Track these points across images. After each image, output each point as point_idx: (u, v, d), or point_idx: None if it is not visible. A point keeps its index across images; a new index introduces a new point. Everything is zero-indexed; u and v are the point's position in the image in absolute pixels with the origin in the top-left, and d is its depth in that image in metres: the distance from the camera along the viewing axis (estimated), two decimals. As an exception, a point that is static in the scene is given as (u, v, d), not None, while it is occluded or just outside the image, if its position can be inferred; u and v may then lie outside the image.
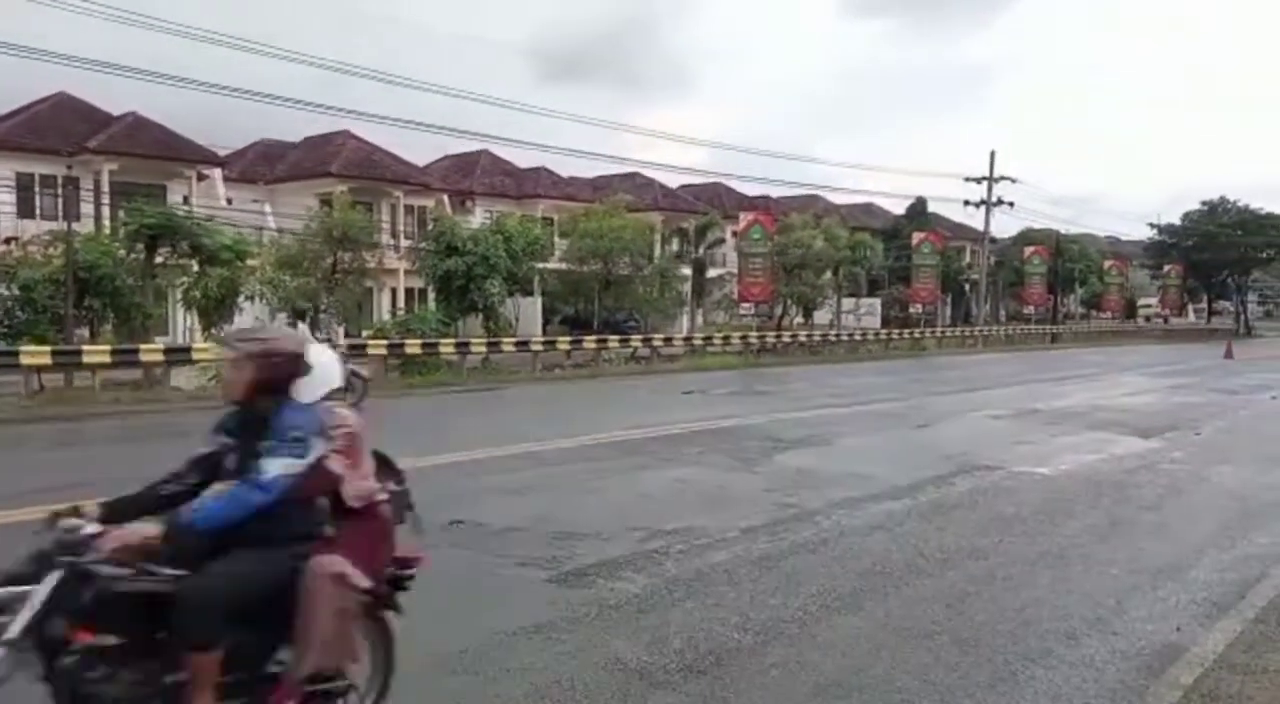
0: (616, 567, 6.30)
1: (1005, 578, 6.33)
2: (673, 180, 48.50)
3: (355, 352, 21.60)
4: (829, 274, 41.85)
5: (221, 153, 33.51)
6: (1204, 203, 64.18)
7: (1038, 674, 4.67)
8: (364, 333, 27.41)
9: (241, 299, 22.91)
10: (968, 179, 45.42)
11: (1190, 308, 72.26)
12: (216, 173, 33.02)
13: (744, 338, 31.72)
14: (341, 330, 26.74)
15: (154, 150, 30.01)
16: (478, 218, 36.41)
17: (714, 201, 48.00)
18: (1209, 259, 61.47)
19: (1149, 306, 67.43)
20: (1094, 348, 42.56)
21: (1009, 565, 6.62)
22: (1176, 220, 64.83)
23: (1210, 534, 7.69)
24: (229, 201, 32.35)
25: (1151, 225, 65.16)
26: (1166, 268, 63.99)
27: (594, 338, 28.06)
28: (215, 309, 22.38)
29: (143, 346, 18.72)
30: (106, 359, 17.48)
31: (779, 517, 7.91)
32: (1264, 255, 64.37)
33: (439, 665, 4.60)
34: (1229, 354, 34.02)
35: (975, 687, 4.50)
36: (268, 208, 33.08)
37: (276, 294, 23.64)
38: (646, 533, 7.18)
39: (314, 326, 24.68)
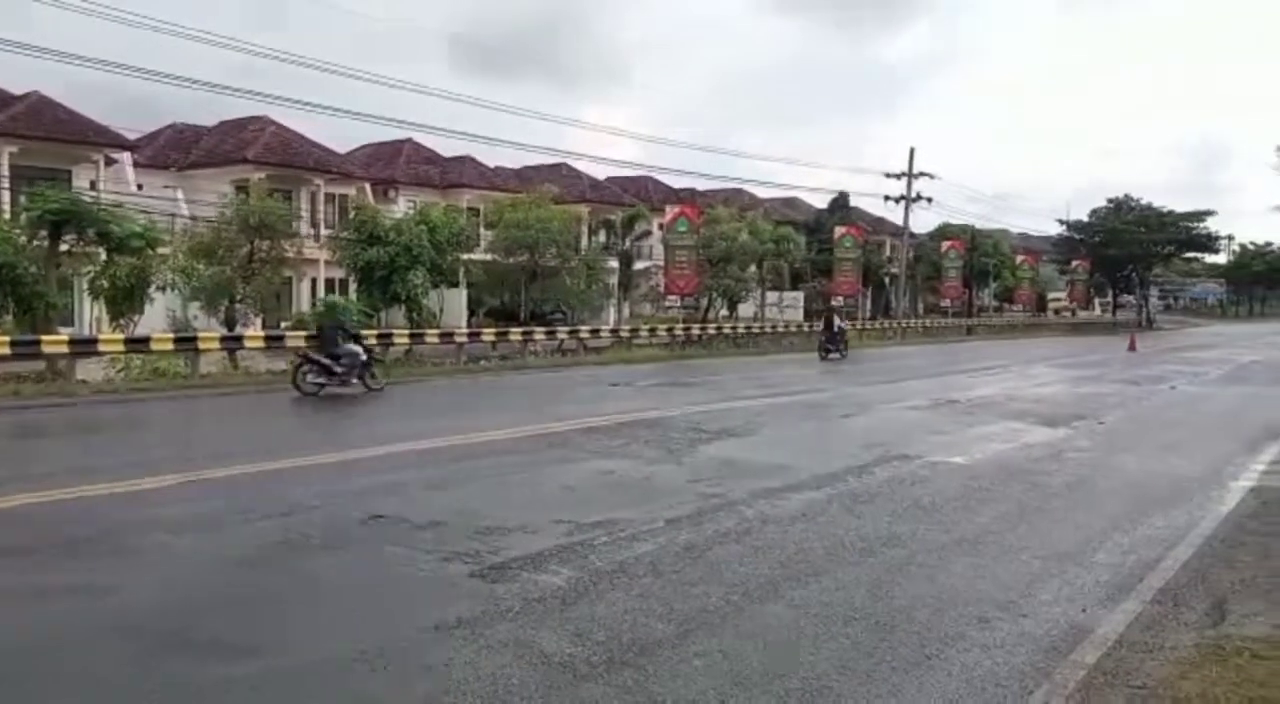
0: (541, 560, 6.28)
1: (922, 565, 6.50)
2: (600, 172, 48.58)
3: (274, 342, 21.11)
4: (753, 267, 42.31)
5: (131, 136, 32.21)
6: (1110, 200, 66.95)
7: (952, 657, 4.82)
8: (282, 324, 26.73)
9: (152, 289, 22.13)
10: (888, 175, 46.38)
11: (1096, 302, 75.23)
12: (126, 157, 31.75)
13: (670, 330, 31.89)
14: (259, 321, 26.03)
15: (58, 132, 28.65)
16: (401, 207, 35.80)
17: (641, 194, 48.14)
18: (1114, 255, 64.03)
19: (1058, 300, 69.96)
20: (1007, 340, 43.94)
21: (926, 552, 6.80)
22: (1085, 217, 67.39)
23: (1113, 519, 8.02)
24: (139, 187, 31.14)
25: (1061, 221, 67.71)
26: (1074, 263, 66.45)
27: (520, 330, 27.87)
28: (124, 299, 21.58)
29: (45, 338, 17.94)
30: (6, 351, 16.71)
31: (703, 507, 7.98)
32: (1165, 251, 67.38)
33: (359, 662, 4.52)
34: (1132, 347, 35.49)
35: (892, 671, 4.62)
36: (180, 194, 31.97)
37: (190, 283, 22.90)
38: (572, 525, 7.18)
39: (230, 316, 24.02)
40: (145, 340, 19.08)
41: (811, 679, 4.49)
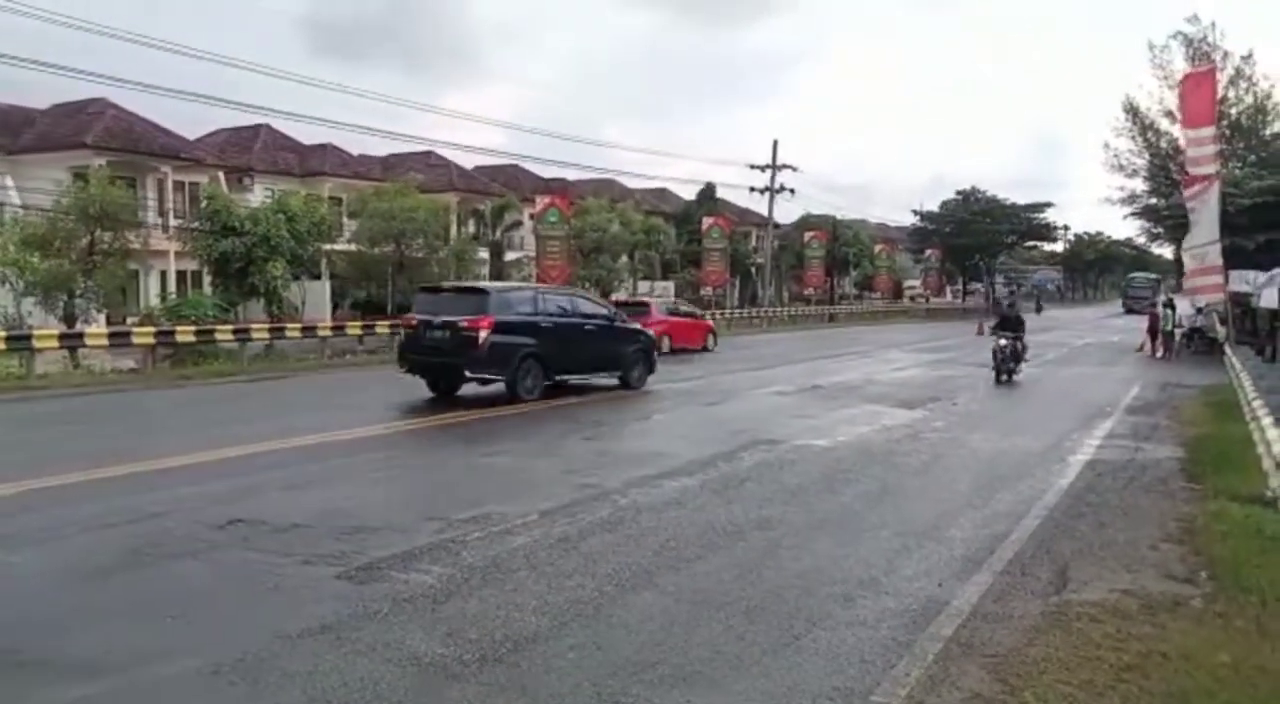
0: (411, 558, 6.13)
1: (789, 547, 6.68)
2: (468, 161, 47.60)
3: (119, 339, 19.86)
4: (625, 257, 42.54)
5: (-52, 117, 29.61)
6: (959, 192, 70.18)
7: (819, 636, 4.96)
8: (129, 320, 25.20)
9: (-21, 284, 20.49)
10: (752, 166, 47.39)
11: (948, 289, 79.03)
12: (-58, 140, 29.17)
13: (542, 321, 31.59)
14: (103, 317, 24.44)
15: None
16: (258, 196, 34.24)
17: (511, 184, 47.53)
18: (963, 244, 67.34)
19: (913, 288, 73.13)
20: (867, 326, 45.67)
21: (793, 534, 6.99)
22: (937, 208, 70.58)
23: (966, 496, 8.45)
24: (-40, 173, 28.72)
25: (915, 212, 70.68)
26: (928, 252, 69.58)
27: (387, 322, 27.12)
28: (-55, 295, 19.89)
29: None
30: None
31: (578, 497, 7.97)
32: (1008, 240, 71.37)
33: (215, 676, 4.29)
34: (980, 331, 37.45)
35: (762, 653, 4.72)
36: (9, 181, 29.64)
37: (23, 278, 21.28)
38: (443, 522, 7.03)
39: (70, 312, 22.44)
40: (-28, 339, 17.63)
41: (684, 665, 4.54)
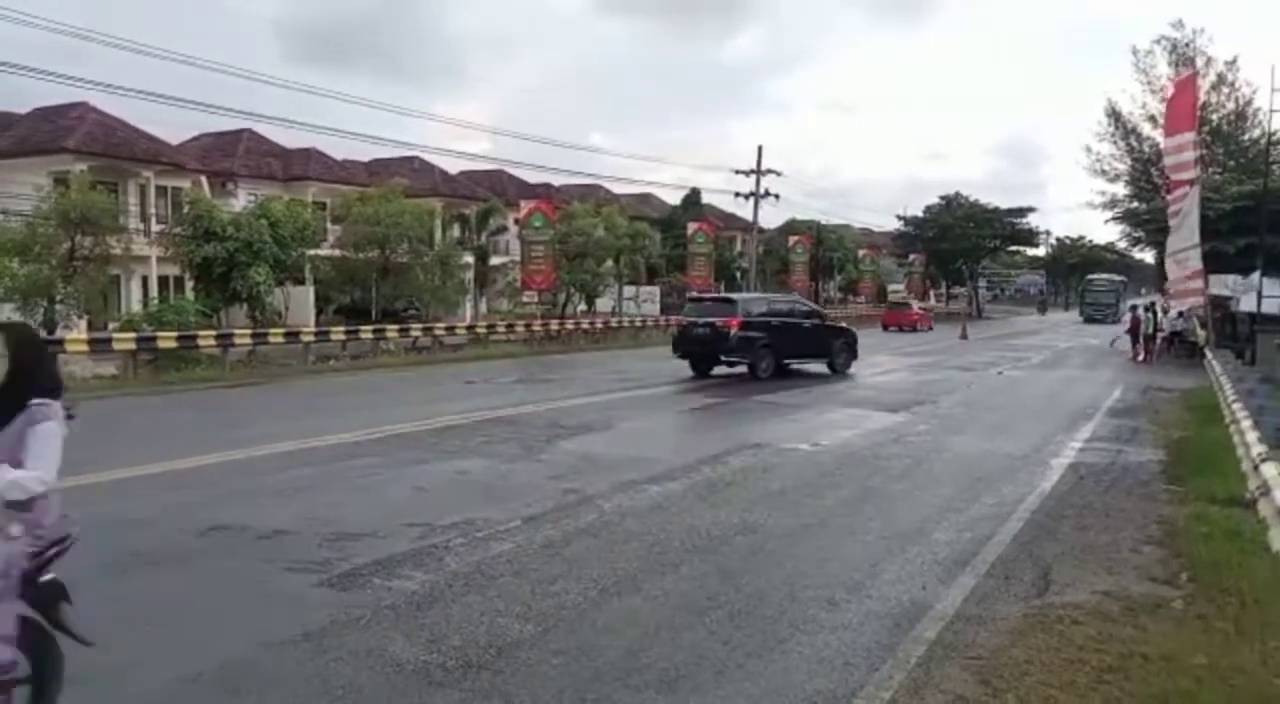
0: (394, 565, 6.10)
1: (774, 550, 6.68)
2: (453, 166, 47.50)
3: (99, 345, 19.72)
4: (610, 262, 42.55)
5: (-74, 122, 29.32)
6: (942, 197, 70.54)
7: (803, 640, 4.97)
8: (110, 326, 24.99)
9: (-45, 290, 20.27)
10: (737, 171, 47.41)
11: (932, 293, 79.39)
12: (-80, 144, 28.87)
13: (528, 326, 31.65)
14: (84, 323, 24.23)
15: None
16: (241, 201, 34.08)
17: (496, 189, 47.46)
18: (946, 248, 67.68)
19: (898, 291, 73.38)
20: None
21: (777, 538, 7.00)
22: (920, 213, 70.92)
23: (949, 499, 8.48)
24: (-62, 178, 28.41)
25: (899, 217, 71.02)
26: (911, 256, 69.91)
27: (371, 327, 27.04)
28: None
29: None
30: None
31: (562, 503, 7.96)
32: (991, 245, 71.79)
33: (194, 683, 4.27)
34: (964, 335, 37.67)
35: (746, 657, 4.72)
36: (-12, 186, 29.37)
37: (1, 284, 21.08)
38: (426, 528, 7.01)
39: (49, 319, 22.26)
40: (-52, 346, 17.41)
41: (669, 670, 4.53)
